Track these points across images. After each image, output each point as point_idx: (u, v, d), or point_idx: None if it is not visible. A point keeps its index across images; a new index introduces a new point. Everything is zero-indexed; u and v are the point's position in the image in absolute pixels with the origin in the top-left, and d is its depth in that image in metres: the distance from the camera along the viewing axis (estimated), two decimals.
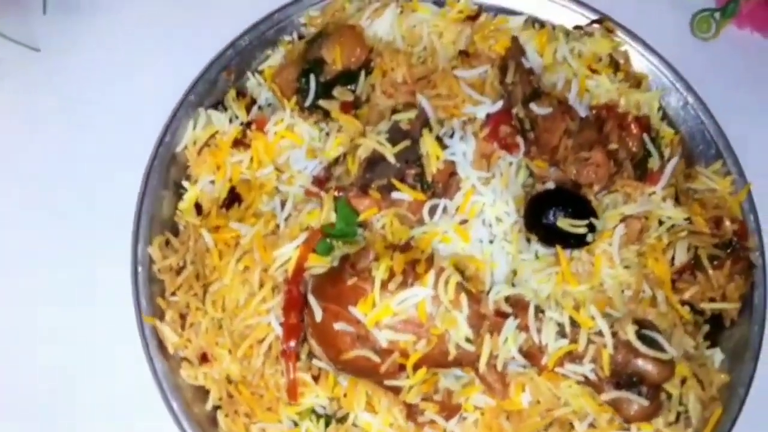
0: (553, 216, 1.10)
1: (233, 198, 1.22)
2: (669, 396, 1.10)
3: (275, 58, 1.36)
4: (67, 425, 1.17)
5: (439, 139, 1.15)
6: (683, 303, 1.22)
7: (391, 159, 1.11)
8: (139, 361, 1.15)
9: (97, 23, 1.42)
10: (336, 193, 1.11)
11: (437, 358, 1.00)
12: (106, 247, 1.23)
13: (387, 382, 1.00)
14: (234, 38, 1.35)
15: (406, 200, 1.11)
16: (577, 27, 1.42)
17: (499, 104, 1.18)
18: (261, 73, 1.35)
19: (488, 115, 1.18)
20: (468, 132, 1.17)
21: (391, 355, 0.98)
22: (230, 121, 1.29)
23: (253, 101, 1.32)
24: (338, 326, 0.99)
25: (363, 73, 1.23)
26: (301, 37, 1.37)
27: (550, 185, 1.14)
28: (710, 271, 1.22)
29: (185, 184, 1.25)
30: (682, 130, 1.39)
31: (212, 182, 1.25)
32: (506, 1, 1.41)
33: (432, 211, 1.13)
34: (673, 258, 1.22)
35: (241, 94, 1.33)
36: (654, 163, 1.22)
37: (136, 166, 1.27)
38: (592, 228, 1.12)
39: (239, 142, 1.27)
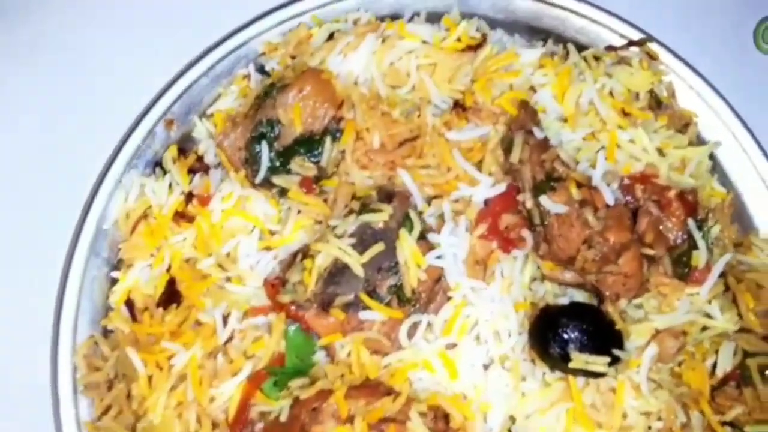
0: (564, 347, 0.85)
1: (171, 295, 0.99)
2: None
3: (226, 99, 1.09)
4: None
5: (422, 236, 0.90)
6: (724, 423, 1.00)
7: (359, 271, 0.87)
8: None
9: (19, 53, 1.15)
10: (292, 312, 0.88)
11: None
12: (27, 352, 1.02)
13: None
14: (176, 74, 1.08)
15: (377, 321, 0.88)
16: (609, 48, 1.12)
17: (502, 187, 0.92)
18: (210, 117, 1.09)
19: (487, 201, 0.92)
20: (461, 224, 0.91)
21: None
22: (170, 187, 1.05)
23: (199, 159, 1.08)
24: None
25: (329, 138, 0.96)
26: (260, 70, 1.10)
27: (563, 300, 0.89)
28: (759, 385, 0.98)
29: (116, 274, 1.02)
30: (736, 187, 1.11)
31: (150, 265, 1.03)
32: (523, 15, 1.12)
33: (412, 329, 0.90)
34: (715, 364, 1.00)
35: (183, 151, 1.08)
36: (699, 258, 0.95)
37: (60, 243, 1.05)
38: (614, 360, 0.88)
39: (181, 215, 1.04)
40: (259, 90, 1.00)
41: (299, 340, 0.87)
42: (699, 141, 1.11)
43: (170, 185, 1.05)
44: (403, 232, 0.88)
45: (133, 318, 1.00)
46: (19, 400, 1.01)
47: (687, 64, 1.13)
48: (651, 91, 1.10)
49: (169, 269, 1.02)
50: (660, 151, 1.05)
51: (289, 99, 0.96)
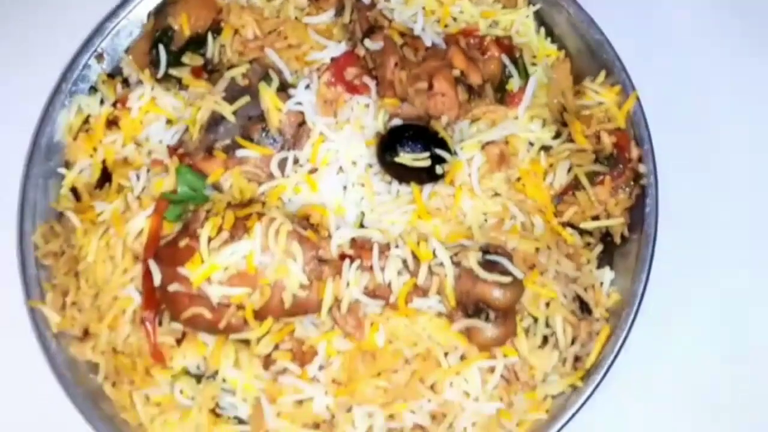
0: (394, 153, 1.07)
1: (104, 178, 1.25)
2: (535, 320, 1.07)
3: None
4: None
5: (284, 89, 1.14)
6: (565, 225, 1.18)
7: (230, 117, 1.11)
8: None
9: None
10: (186, 159, 1.12)
11: (277, 309, 1.00)
12: None
13: (233, 336, 1.02)
14: (99, 21, 1.36)
15: (252, 158, 1.11)
16: None
17: (342, 46, 1.16)
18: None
19: (333, 59, 1.16)
20: (314, 79, 1.15)
21: (227, 309, 0.99)
22: (101, 103, 1.31)
23: (125, 80, 1.34)
24: (172, 288, 1.00)
25: (210, 35, 1.22)
26: None
27: (397, 122, 1.11)
28: (589, 190, 1.17)
29: (62, 170, 1.28)
30: (568, 46, 1.32)
31: (90, 164, 1.29)
32: None
33: (282, 164, 1.12)
34: (554, 182, 1.19)
35: (111, 75, 1.35)
36: (513, 84, 1.17)
37: (19, 154, 1.31)
38: (438, 160, 1.08)
39: (114, 123, 1.30)
40: (154, 9, 1.28)
41: (188, 175, 1.10)
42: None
43: (101, 100, 1.31)
44: (262, 85, 1.12)
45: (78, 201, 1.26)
46: None
47: None
48: None
49: (104, 163, 1.28)
50: (488, 17, 1.28)
51: (177, 11, 1.23)
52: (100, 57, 1.36)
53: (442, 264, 1.01)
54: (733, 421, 1.17)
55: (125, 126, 1.26)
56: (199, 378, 1.10)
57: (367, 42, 1.11)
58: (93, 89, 1.33)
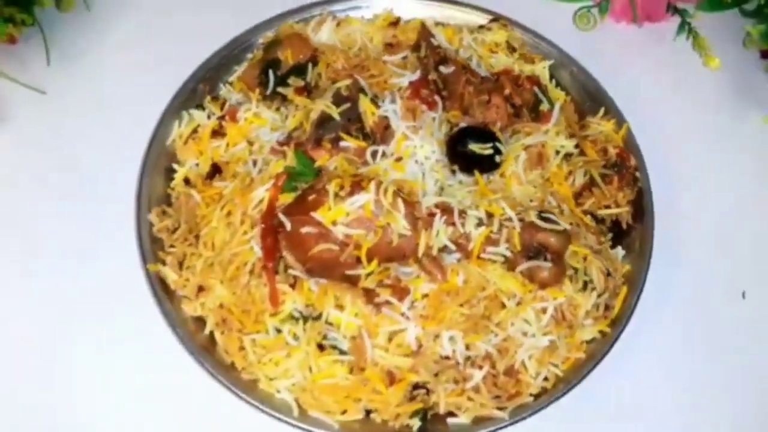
0: (465, 144, 1.42)
1: (215, 170, 1.51)
2: (576, 270, 1.37)
3: (241, 71, 1.70)
4: (85, 359, 1.42)
5: (373, 102, 1.48)
6: (585, 213, 1.52)
7: (337, 117, 1.43)
8: (148, 304, 1.40)
9: (92, 65, 1.76)
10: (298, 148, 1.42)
11: (384, 248, 1.27)
12: (114, 221, 1.51)
13: (348, 272, 1.26)
14: (207, 57, 1.70)
15: (351, 147, 1.42)
16: (480, 27, 1.80)
17: (417, 74, 1.53)
18: (231, 83, 1.69)
19: (410, 83, 1.52)
20: (396, 96, 1.50)
21: (347, 247, 1.25)
22: (208, 117, 1.61)
23: (225, 102, 1.65)
24: (304, 230, 1.26)
25: (310, 65, 1.57)
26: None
27: (463, 125, 1.47)
28: (603, 186, 1.53)
29: (175, 166, 1.54)
30: (572, 94, 1.74)
31: (197, 164, 1.55)
32: (419, 11, 1.79)
33: (373, 155, 1.44)
34: (574, 182, 1.54)
35: (215, 98, 1.66)
36: (545, 107, 1.56)
37: (136, 159, 1.57)
38: (498, 151, 1.43)
39: (217, 133, 1.58)
40: (263, 45, 1.63)
41: (303, 158, 1.39)
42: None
43: (208, 115, 1.61)
44: (361, 95, 1.46)
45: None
46: (115, 254, 1.48)
47: (529, 30, 1.81)
48: (507, 43, 1.77)
49: (212, 160, 1.54)
50: (517, 66, 1.69)
51: (283, 47, 1.58)
52: (205, 85, 1.68)
53: (509, 219, 1.32)
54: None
55: (231, 134, 1.55)
56: (304, 320, 1.32)
57: (442, 68, 1.48)
58: (200, 107, 1.64)
